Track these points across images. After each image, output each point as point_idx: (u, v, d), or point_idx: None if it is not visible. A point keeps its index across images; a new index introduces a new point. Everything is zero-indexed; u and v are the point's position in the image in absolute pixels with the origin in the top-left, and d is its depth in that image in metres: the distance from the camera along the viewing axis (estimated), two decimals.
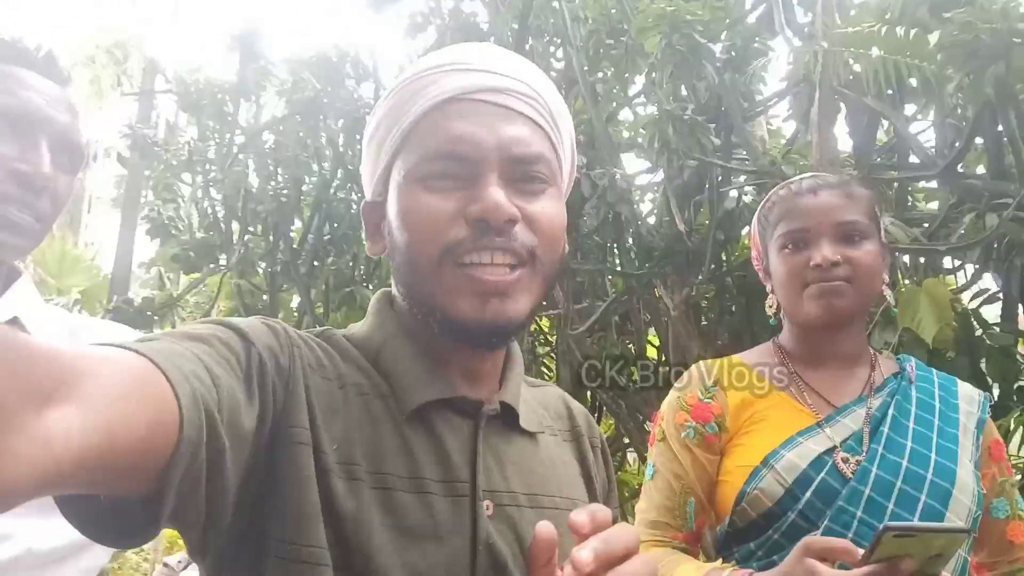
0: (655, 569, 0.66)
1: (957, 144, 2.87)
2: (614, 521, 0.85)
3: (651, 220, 4.41)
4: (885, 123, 3.45)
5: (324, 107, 4.35)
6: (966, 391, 1.52)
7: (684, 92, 3.49)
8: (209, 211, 4.50)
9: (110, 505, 0.56)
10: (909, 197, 3.46)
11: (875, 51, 2.56)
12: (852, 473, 1.35)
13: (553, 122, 0.82)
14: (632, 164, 4.77)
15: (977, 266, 2.95)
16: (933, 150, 3.18)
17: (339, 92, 4.39)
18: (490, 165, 0.76)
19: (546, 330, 5.52)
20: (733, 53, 3.63)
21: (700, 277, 4.12)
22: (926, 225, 3.16)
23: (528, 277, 0.77)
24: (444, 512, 0.73)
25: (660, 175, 4.00)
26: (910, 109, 3.27)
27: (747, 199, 3.88)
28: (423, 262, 0.75)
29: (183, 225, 4.50)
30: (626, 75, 4.01)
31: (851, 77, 3.08)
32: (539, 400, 0.90)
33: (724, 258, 4.26)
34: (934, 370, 1.56)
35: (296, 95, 4.26)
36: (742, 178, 3.86)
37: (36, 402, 0.43)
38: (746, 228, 4.18)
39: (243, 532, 0.67)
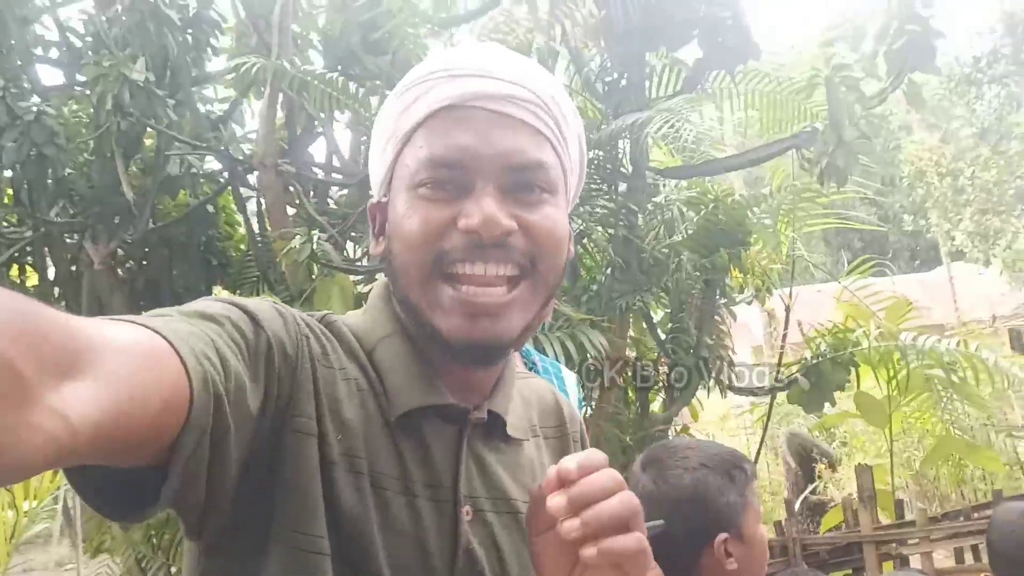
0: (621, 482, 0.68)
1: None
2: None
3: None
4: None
5: None
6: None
7: (142, 57, 3.52)
8: None
9: (117, 480, 0.56)
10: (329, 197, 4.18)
11: (315, 83, 3.14)
12: None
13: (557, 128, 0.78)
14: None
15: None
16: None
17: None
18: (486, 175, 0.73)
19: None
20: (190, 32, 3.80)
21: (133, 232, 4.19)
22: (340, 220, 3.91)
23: (528, 291, 0.76)
24: (427, 516, 0.74)
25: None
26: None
27: (193, 170, 4.12)
28: (413, 271, 0.74)
29: None
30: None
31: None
32: (528, 395, 0.89)
33: (153, 217, 4.40)
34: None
35: None
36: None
37: (54, 375, 0.43)
38: (184, 191, 4.41)
39: (242, 518, 0.68)
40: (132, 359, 0.50)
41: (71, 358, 0.45)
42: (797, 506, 4.61)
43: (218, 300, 0.69)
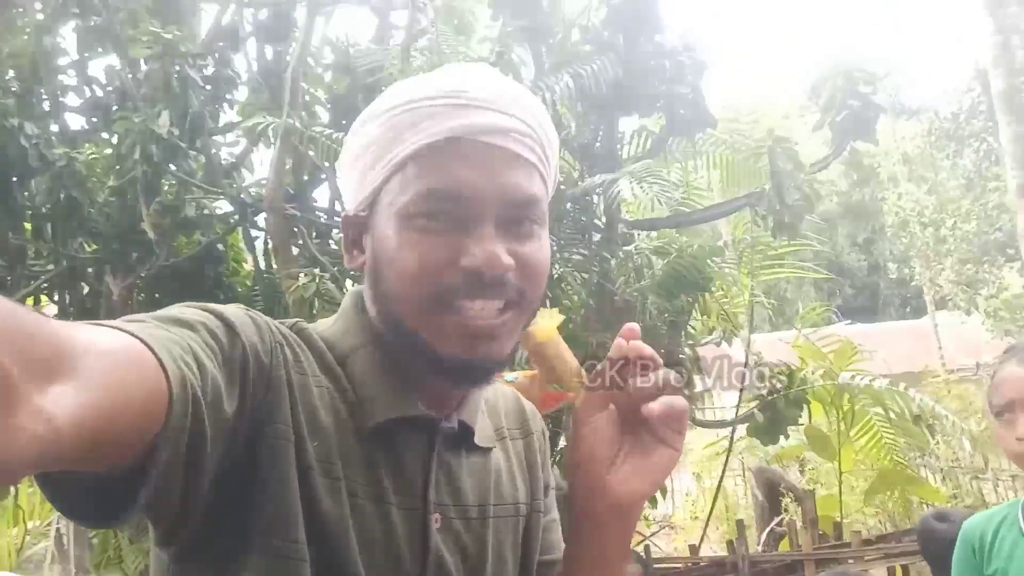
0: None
1: None
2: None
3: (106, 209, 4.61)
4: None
5: None
6: None
7: (166, 111, 3.92)
8: None
9: (89, 486, 0.56)
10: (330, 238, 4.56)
11: (323, 140, 3.55)
12: None
13: (545, 157, 0.80)
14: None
15: None
16: None
17: None
18: (487, 212, 0.73)
19: None
20: (209, 89, 4.22)
21: (150, 268, 4.56)
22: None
23: (515, 319, 0.77)
24: (398, 523, 0.75)
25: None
26: None
27: (205, 211, 4.51)
28: (413, 304, 0.74)
29: None
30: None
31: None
32: (494, 401, 0.92)
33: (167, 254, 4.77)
34: None
35: None
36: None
37: (39, 377, 0.43)
38: (199, 232, 4.80)
39: (216, 525, 0.68)
40: (113, 362, 0.51)
41: (54, 360, 0.45)
42: (764, 536, 4.90)
43: (193, 306, 0.69)
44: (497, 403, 0.92)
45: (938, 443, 6.96)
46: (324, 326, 0.83)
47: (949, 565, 2.39)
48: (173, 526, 0.67)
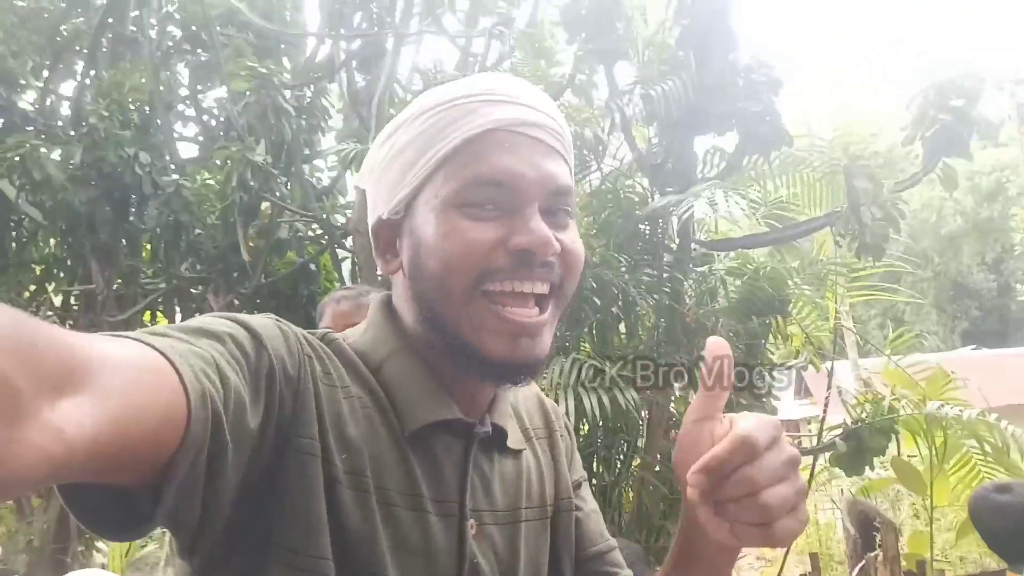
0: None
1: None
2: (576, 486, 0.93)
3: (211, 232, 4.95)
4: None
5: None
6: None
7: (263, 141, 4.18)
8: None
9: (109, 497, 0.56)
10: None
11: None
12: None
13: (569, 156, 0.82)
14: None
15: None
16: None
17: None
18: (532, 198, 0.75)
19: (74, 307, 5.60)
20: (304, 118, 4.47)
21: (247, 286, 4.85)
22: None
23: (552, 313, 0.77)
24: (436, 530, 0.75)
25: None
26: None
27: (300, 234, 4.77)
28: (454, 289, 0.74)
29: None
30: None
31: None
32: (515, 400, 0.91)
33: (265, 273, 5.07)
34: None
35: None
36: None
37: (50, 390, 0.43)
38: (291, 252, 5.07)
39: (240, 536, 0.67)
40: (129, 375, 0.51)
41: (67, 373, 0.45)
42: (855, 573, 4.66)
43: (221, 317, 0.69)
44: (519, 404, 0.92)
45: None
46: (354, 336, 0.82)
47: (1005, 536, 2.21)
48: (194, 537, 0.66)
